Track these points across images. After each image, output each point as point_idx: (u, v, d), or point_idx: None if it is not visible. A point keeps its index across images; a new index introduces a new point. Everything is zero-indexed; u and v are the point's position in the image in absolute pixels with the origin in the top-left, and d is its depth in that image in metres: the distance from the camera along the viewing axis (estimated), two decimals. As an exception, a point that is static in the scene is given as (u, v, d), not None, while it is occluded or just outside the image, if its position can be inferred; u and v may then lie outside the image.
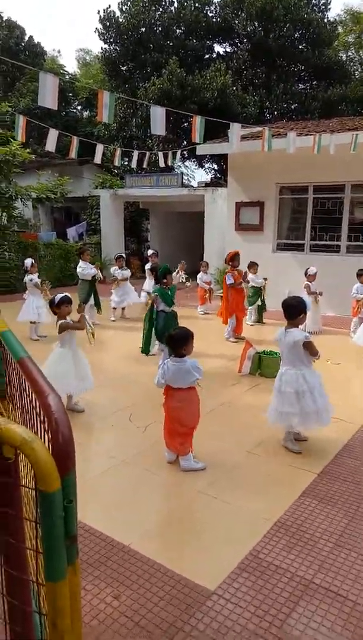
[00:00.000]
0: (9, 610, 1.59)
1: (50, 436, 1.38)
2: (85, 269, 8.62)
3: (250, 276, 8.99)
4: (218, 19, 20.52)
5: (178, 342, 3.80)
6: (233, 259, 8.00)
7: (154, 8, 19.79)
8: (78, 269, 8.77)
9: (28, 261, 7.97)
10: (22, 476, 1.85)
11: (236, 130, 6.46)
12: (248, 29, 19.53)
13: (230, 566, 2.85)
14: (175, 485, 3.73)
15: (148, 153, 10.38)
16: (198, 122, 5.77)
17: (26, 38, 25.37)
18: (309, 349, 4.02)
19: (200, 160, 22.61)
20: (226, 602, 2.58)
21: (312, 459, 4.14)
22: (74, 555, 1.41)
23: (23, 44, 25.16)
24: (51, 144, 6.28)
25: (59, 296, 4.74)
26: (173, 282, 6.35)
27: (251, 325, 9.36)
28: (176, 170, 20.26)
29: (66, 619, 1.37)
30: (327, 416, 4.12)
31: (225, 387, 5.90)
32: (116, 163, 9.06)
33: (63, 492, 1.32)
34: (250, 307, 9.20)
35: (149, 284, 9.21)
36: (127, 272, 9.67)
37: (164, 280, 6.21)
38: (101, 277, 8.71)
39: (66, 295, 4.78)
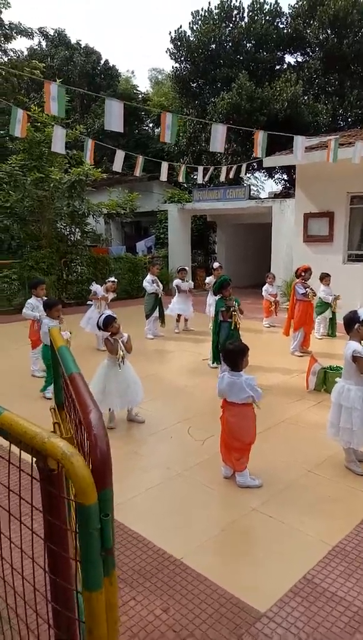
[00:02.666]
0: (54, 615, 1.67)
1: (89, 451, 1.45)
2: (150, 282, 8.87)
3: (322, 288, 8.78)
4: (289, 30, 20.36)
5: (233, 356, 3.80)
6: (304, 272, 7.87)
7: (224, 24, 20.03)
8: (144, 282, 9.02)
9: (111, 278, 8.41)
10: (70, 487, 1.95)
11: (300, 142, 6.38)
12: (321, 37, 19.19)
13: (282, 589, 2.78)
14: (230, 502, 3.70)
15: (211, 167, 10.48)
16: (260, 137, 5.77)
17: (102, 62, 26.63)
18: (358, 364, 3.86)
19: (270, 172, 22.43)
20: (277, 627, 2.51)
21: (377, 482, 3.95)
22: (110, 567, 1.46)
23: (99, 68, 26.41)
24: (118, 164, 6.55)
25: (102, 318, 4.92)
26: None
27: (320, 338, 9.10)
28: (244, 182, 20.24)
29: (101, 627, 1.43)
30: None
31: (288, 403, 5.78)
32: (181, 180, 9.24)
33: (100, 506, 1.38)
34: (317, 318, 8.95)
35: (212, 297, 9.26)
36: (189, 284, 9.76)
37: (221, 293, 6.23)
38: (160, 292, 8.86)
39: (108, 316, 4.93)
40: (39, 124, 11.77)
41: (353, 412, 3.87)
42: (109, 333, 4.93)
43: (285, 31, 20.47)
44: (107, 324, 4.87)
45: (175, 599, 2.70)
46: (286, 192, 17.89)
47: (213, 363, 6.86)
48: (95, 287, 8.18)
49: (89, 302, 8.27)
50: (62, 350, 2.33)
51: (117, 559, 3.03)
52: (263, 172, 23.06)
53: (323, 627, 2.51)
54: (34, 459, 1.57)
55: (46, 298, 6.78)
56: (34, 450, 1.53)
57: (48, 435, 1.47)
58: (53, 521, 1.58)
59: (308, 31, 19.57)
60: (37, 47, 25.78)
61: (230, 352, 3.84)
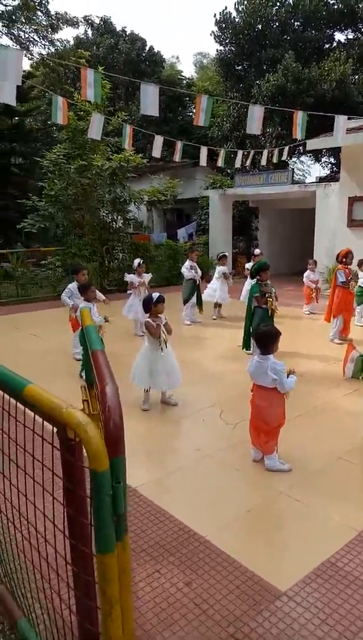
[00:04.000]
0: (74, 577, 1.78)
1: (103, 422, 1.52)
2: (189, 268, 8.89)
3: (361, 274, 8.53)
4: (340, 5, 19.55)
5: (263, 339, 3.80)
6: (345, 256, 7.67)
7: (271, 3, 19.48)
8: (183, 268, 9.06)
9: (136, 261, 8.41)
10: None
11: (341, 123, 6.18)
12: (373, 11, 18.36)
13: (304, 570, 2.80)
14: (258, 484, 3.73)
15: (251, 152, 10.31)
16: (299, 117, 5.64)
17: (147, 48, 26.57)
18: None
19: (316, 155, 21.81)
20: (296, 605, 2.55)
21: None
22: (122, 532, 1.54)
23: (144, 55, 26.37)
24: (157, 150, 6.57)
25: (155, 295, 4.98)
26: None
27: (361, 326, 8.88)
28: (289, 166, 19.78)
29: (113, 588, 1.51)
30: None
31: (323, 390, 5.70)
32: (220, 164, 9.15)
33: (112, 473, 1.45)
34: (358, 307, 8.73)
35: (249, 283, 9.19)
36: (224, 269, 9.69)
37: (258, 277, 6.17)
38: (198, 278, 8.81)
39: (161, 295, 5.00)
40: (82, 112, 11.94)
41: None
42: (150, 315, 5.03)
43: (335, 7, 19.67)
44: (158, 301, 4.96)
45: (198, 574, 2.78)
46: (333, 176, 17.37)
47: (243, 349, 6.84)
48: (130, 277, 8.29)
49: (129, 292, 8.39)
50: (88, 329, 2.42)
51: (144, 533, 3.14)
52: (310, 156, 22.47)
53: (343, 609, 2.52)
54: (55, 429, 1.68)
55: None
56: (55, 421, 1.62)
57: (66, 406, 1.56)
58: (72, 488, 1.67)
59: (361, 5, 18.74)
60: (83, 36, 26.04)
61: (262, 335, 3.84)
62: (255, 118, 4.95)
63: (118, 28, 26.50)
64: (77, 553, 1.74)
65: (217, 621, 2.45)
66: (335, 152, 19.59)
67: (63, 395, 1.66)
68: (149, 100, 4.37)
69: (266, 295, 6.07)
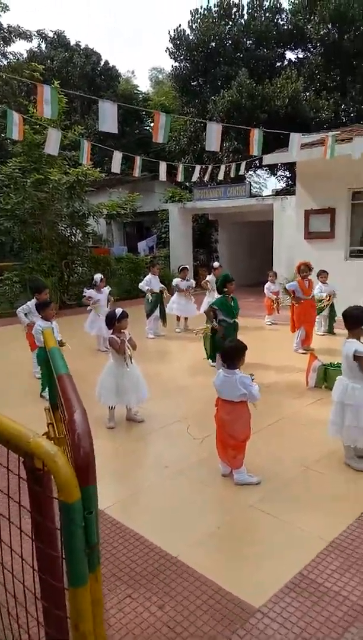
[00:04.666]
0: (44, 612, 1.70)
1: (71, 450, 1.48)
2: (146, 283, 8.97)
3: (319, 285, 8.75)
4: (289, 26, 20.29)
5: (231, 354, 3.82)
6: (300, 269, 7.84)
7: (224, 22, 19.99)
8: (141, 283, 9.12)
9: (97, 276, 8.32)
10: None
11: (296, 139, 6.38)
12: (321, 32, 19.09)
13: (277, 584, 2.80)
14: (227, 499, 3.72)
15: (209, 166, 10.47)
16: (255, 134, 5.77)
17: (102, 63, 26.65)
18: (360, 363, 3.85)
19: (272, 169, 22.38)
20: (271, 621, 2.54)
21: (375, 478, 3.95)
22: (95, 563, 1.49)
23: (99, 69, 26.42)
24: (116, 165, 6.56)
25: (118, 311, 4.93)
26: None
27: (322, 335, 9.10)
28: (246, 180, 20.22)
29: (87, 622, 1.45)
30: None
31: (287, 400, 5.79)
32: (179, 179, 9.25)
33: (83, 503, 1.40)
34: (318, 317, 8.94)
35: (210, 295, 9.28)
36: (189, 283, 9.77)
37: (225, 290, 6.22)
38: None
39: (124, 311, 4.96)
40: (38, 126, 11.81)
41: (360, 410, 3.87)
42: (113, 332, 4.98)
43: (285, 27, 20.40)
44: (121, 317, 4.90)
45: (170, 596, 2.73)
46: (289, 190, 17.85)
47: (209, 359, 6.88)
48: (89, 293, 8.20)
49: (89, 309, 8.28)
50: (53, 351, 2.36)
51: (114, 556, 3.07)
52: (265, 170, 23.03)
53: (317, 622, 2.53)
54: (22, 459, 1.61)
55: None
56: (22, 450, 1.56)
57: (33, 434, 1.50)
58: (41, 520, 1.61)
59: (309, 27, 19.49)
60: (36, 49, 25.84)
61: (229, 350, 3.85)
62: (214, 135, 5.04)
63: (72, 42, 26.49)
64: (47, 588, 1.67)
65: (192, 644, 2.41)
66: (290, 166, 20.19)
67: (26, 417, 1.61)
68: (108, 117, 4.36)
69: (212, 324, 6.14)
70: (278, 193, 16.87)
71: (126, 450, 4.64)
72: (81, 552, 1.42)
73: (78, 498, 1.38)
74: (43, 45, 26.07)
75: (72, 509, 1.38)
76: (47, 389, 5.81)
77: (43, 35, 24.30)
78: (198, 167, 9.46)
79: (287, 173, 22.89)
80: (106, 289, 8.31)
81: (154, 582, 2.83)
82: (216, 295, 7.49)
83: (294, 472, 4.08)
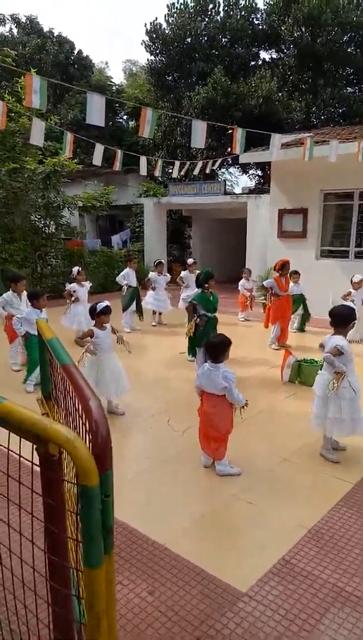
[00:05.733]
0: (51, 593, 1.75)
1: (90, 437, 1.53)
2: (124, 277, 8.99)
3: (291, 285, 8.95)
4: (264, 27, 20.50)
5: (216, 348, 3.91)
6: (282, 267, 8.01)
7: (200, 18, 20.01)
8: (118, 277, 9.11)
9: (75, 269, 8.25)
10: (65, 472, 2.02)
11: (276, 140, 6.52)
12: (295, 34, 19.39)
13: (261, 570, 2.92)
14: (210, 489, 3.83)
15: (188, 162, 10.54)
16: (238, 133, 5.87)
17: (75, 52, 26.23)
18: (330, 359, 4.00)
19: (244, 167, 22.63)
20: (257, 604, 2.65)
21: (350, 468, 4.14)
22: (110, 546, 1.55)
23: (72, 58, 25.99)
24: (97, 158, 6.53)
25: (100, 305, 4.95)
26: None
27: (293, 332, 9.32)
28: (219, 177, 20.39)
29: (101, 602, 1.52)
30: (362, 426, 4.11)
31: (264, 393, 5.94)
32: (157, 174, 9.26)
33: (101, 488, 1.46)
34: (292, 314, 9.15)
35: (185, 291, 9.36)
36: (166, 278, 9.83)
37: (206, 285, 6.31)
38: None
39: (107, 306, 4.99)
40: (13, 114, 11.56)
41: (342, 402, 4.02)
42: (95, 324, 5.00)
43: (260, 27, 20.59)
44: (104, 311, 4.92)
45: (160, 582, 2.80)
46: (261, 188, 18.11)
47: (188, 356, 6.96)
48: (71, 286, 8.08)
49: (69, 302, 8.10)
50: (52, 342, 2.38)
51: (103, 545, 3.12)
52: (238, 168, 23.25)
53: (300, 604, 2.66)
54: (35, 446, 1.65)
55: (25, 292, 6.77)
56: (34, 437, 1.59)
57: (49, 421, 1.54)
58: (53, 504, 1.65)
59: (283, 28, 19.74)
60: (7, 34, 25.19)
61: (214, 345, 3.94)
62: (199, 132, 5.10)
63: (45, 29, 25.95)
64: (56, 569, 1.72)
65: (183, 627, 2.50)
66: (261, 165, 20.47)
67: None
68: (95, 110, 4.36)
69: (193, 319, 6.23)
70: (251, 191, 17.11)
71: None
72: (98, 535, 1.48)
73: (97, 482, 1.44)
74: (15, 31, 25.44)
75: (92, 492, 1.43)
76: (29, 382, 5.82)
77: (16, 19, 23.72)
78: (177, 163, 9.50)
79: (259, 172, 23.19)
80: (87, 283, 8.26)
81: (143, 569, 2.90)
82: (191, 291, 7.58)
83: (273, 463, 4.22)
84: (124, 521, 3.36)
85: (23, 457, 1.72)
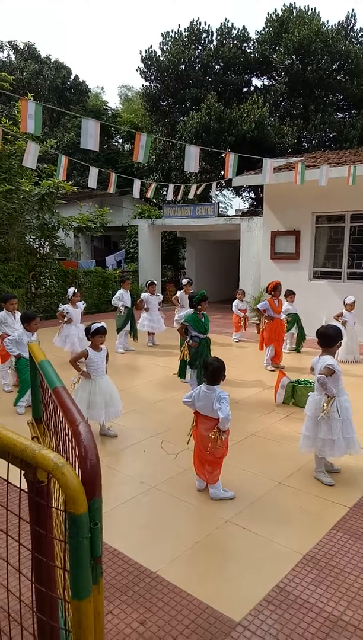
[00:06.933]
0: (38, 626, 1.69)
1: (78, 462, 1.50)
2: (118, 298, 8.99)
3: (285, 305, 9.00)
4: (256, 54, 21.08)
5: (215, 372, 3.90)
6: (274, 288, 8.05)
7: (194, 46, 20.55)
8: (113, 299, 9.12)
9: (70, 290, 8.24)
10: (54, 499, 1.98)
11: (269, 164, 6.63)
12: (286, 62, 19.95)
13: (255, 598, 2.85)
14: (204, 514, 3.76)
15: (182, 186, 10.68)
16: (231, 158, 5.97)
17: (72, 77, 26.77)
18: (324, 381, 4.00)
19: (237, 190, 22.96)
20: (252, 635, 2.58)
21: (345, 491, 4.09)
22: (98, 575, 1.50)
23: (69, 83, 26.52)
24: (92, 181, 6.60)
25: (94, 326, 4.94)
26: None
27: (287, 352, 9.32)
28: (213, 199, 20.66)
29: (90, 635, 1.46)
30: (355, 445, 4.10)
31: (258, 416, 5.90)
32: (150, 195, 9.37)
33: (90, 515, 1.43)
34: (286, 335, 9.17)
35: (180, 311, 9.37)
36: (158, 298, 9.84)
37: (199, 307, 6.33)
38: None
39: (103, 326, 4.98)
40: (9, 136, 11.71)
41: (332, 422, 4.01)
42: (91, 345, 4.98)
43: (252, 55, 21.17)
44: (99, 332, 4.90)
45: (152, 612, 2.73)
46: (254, 210, 18.34)
47: (179, 377, 6.93)
48: (64, 307, 8.05)
49: (61, 322, 8.07)
50: (43, 364, 2.36)
51: (94, 573, 3.04)
52: (231, 190, 23.59)
53: (296, 634, 2.59)
54: (22, 472, 1.61)
55: (18, 312, 6.75)
56: (22, 463, 1.56)
57: (38, 447, 1.51)
58: (41, 532, 1.61)
59: (274, 56, 20.30)
60: (6, 59, 25.71)
61: (214, 368, 3.91)
62: (192, 157, 5.18)
63: (43, 55, 26.52)
64: (44, 600, 1.67)
65: (175, 659, 2.42)
66: (254, 187, 20.79)
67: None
68: (90, 135, 4.42)
69: (186, 342, 6.27)
70: (244, 213, 17.32)
71: (101, 465, 4.59)
72: (86, 564, 1.43)
73: (85, 510, 1.41)
74: (13, 57, 25.97)
75: (80, 520, 1.40)
76: (20, 403, 5.76)
77: (14, 46, 24.23)
78: (171, 186, 9.63)
79: (252, 194, 23.54)
80: (81, 304, 8.25)
81: (134, 598, 2.83)
82: (186, 311, 7.59)
83: (267, 487, 4.17)
84: (115, 547, 3.29)
85: (11, 483, 1.69)
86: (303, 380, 6.47)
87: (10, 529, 1.68)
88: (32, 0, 52.01)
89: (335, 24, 19.84)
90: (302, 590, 2.92)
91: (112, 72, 55.55)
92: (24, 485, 1.57)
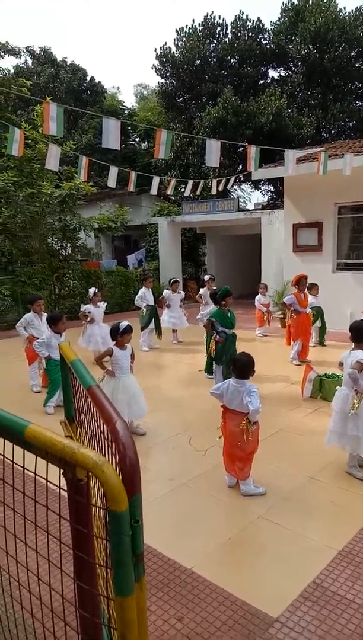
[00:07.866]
0: (81, 621, 1.71)
1: (118, 460, 1.51)
2: (141, 297, 9.01)
3: (310, 298, 8.90)
4: (272, 45, 20.83)
5: (244, 367, 3.88)
6: (298, 282, 7.97)
7: (208, 41, 20.44)
8: (136, 298, 9.15)
9: (91, 290, 8.31)
10: (93, 497, 1.99)
11: (291, 155, 6.55)
12: (303, 52, 19.67)
13: (292, 594, 2.83)
14: (236, 510, 3.75)
15: (201, 181, 10.64)
16: (253, 151, 5.92)
17: (88, 78, 26.91)
18: (356, 376, 3.94)
19: (256, 183, 22.77)
20: (290, 631, 2.56)
21: (378, 486, 4.03)
22: (141, 572, 1.51)
23: (85, 84, 26.68)
24: (112, 180, 6.64)
25: (122, 325, 4.97)
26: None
27: (313, 346, 9.21)
28: (232, 194, 20.54)
29: (133, 631, 1.48)
30: None
31: (286, 410, 5.86)
32: (169, 192, 9.37)
33: (130, 512, 1.44)
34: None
35: (204, 309, 9.35)
36: (180, 295, 9.83)
37: (223, 302, 6.31)
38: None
39: (129, 325, 5.00)
40: (29, 140, 11.87)
41: (359, 420, 3.95)
42: (116, 344, 5.01)
43: (268, 47, 20.93)
44: (124, 332, 4.94)
45: (188, 608, 2.74)
46: (274, 204, 18.17)
47: (205, 372, 6.93)
48: (86, 307, 8.11)
49: (84, 323, 8.14)
50: (75, 364, 2.38)
51: (129, 569, 3.06)
52: (250, 184, 23.41)
53: (335, 630, 2.57)
54: (62, 470, 1.63)
55: (45, 313, 6.84)
56: (62, 461, 1.58)
57: (77, 446, 1.53)
58: (82, 530, 1.63)
59: (290, 47, 20.03)
60: (23, 65, 26.01)
61: (243, 363, 3.91)
62: (213, 151, 5.16)
63: (59, 58, 26.73)
64: (85, 597, 1.69)
65: (214, 655, 2.42)
66: (273, 180, 20.58)
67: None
68: (111, 134, 4.45)
69: (212, 337, 6.25)
70: (264, 207, 17.17)
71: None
72: (129, 561, 1.45)
73: (126, 507, 1.42)
74: (30, 62, 26.25)
75: (121, 518, 1.41)
76: (50, 404, 5.83)
77: (31, 51, 24.49)
78: (190, 182, 9.61)
79: (271, 187, 23.31)
80: (103, 304, 8.32)
81: (171, 594, 2.84)
82: (210, 308, 7.58)
83: (298, 482, 4.13)
84: (148, 544, 3.30)
85: (50, 482, 1.72)
86: (330, 373, 6.39)
87: (51, 528, 1.70)
88: (47, 3, 52.47)
89: (352, 10, 19.47)
90: (339, 586, 2.89)
91: (127, 71, 55.71)
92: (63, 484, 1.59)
